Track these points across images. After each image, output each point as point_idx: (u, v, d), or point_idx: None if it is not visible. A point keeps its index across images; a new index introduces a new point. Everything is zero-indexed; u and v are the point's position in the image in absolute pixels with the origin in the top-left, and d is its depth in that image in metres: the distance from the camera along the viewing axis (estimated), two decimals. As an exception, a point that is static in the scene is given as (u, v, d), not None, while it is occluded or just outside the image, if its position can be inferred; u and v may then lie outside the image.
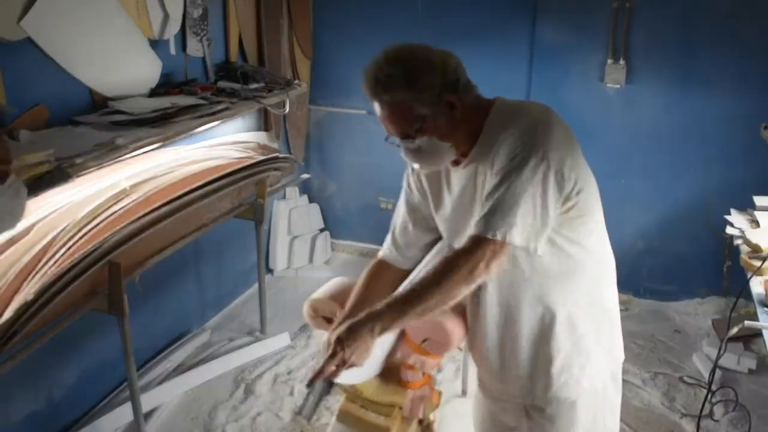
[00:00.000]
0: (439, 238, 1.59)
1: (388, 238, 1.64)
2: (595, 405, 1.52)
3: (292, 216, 3.85)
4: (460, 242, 1.37)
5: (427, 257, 1.59)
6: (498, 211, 1.27)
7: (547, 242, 1.34)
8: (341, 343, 1.29)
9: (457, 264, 1.28)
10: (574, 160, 1.35)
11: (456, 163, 1.44)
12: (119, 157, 2.09)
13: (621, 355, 1.59)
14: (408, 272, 1.60)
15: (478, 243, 1.28)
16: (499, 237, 1.26)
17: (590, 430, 1.52)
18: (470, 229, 1.31)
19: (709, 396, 2.40)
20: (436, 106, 1.35)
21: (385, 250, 1.64)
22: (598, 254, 1.49)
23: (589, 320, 1.48)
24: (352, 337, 1.29)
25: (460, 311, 1.59)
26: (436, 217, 1.55)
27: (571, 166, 1.33)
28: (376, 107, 1.39)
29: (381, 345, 1.52)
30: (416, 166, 1.47)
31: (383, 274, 1.61)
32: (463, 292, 1.30)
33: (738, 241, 2.38)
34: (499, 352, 1.51)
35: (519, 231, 1.27)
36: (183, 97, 2.56)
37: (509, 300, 1.45)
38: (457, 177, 1.45)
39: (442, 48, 1.41)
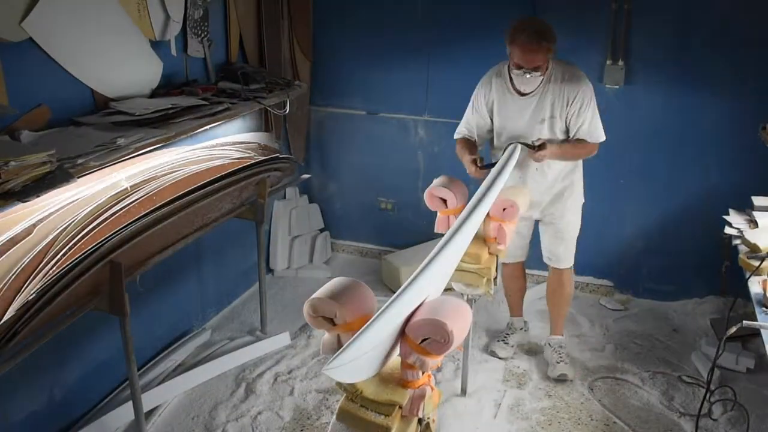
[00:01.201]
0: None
1: (461, 125, 2.78)
2: (578, 215, 2.86)
3: (292, 216, 3.86)
4: (515, 129, 2.65)
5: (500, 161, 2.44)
6: (596, 127, 2.63)
7: None
8: (544, 146, 2.52)
9: (589, 150, 2.68)
10: None
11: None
12: (120, 157, 2.10)
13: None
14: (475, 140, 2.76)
15: (594, 144, 2.67)
16: (603, 138, 2.66)
17: (576, 227, 2.85)
18: (588, 135, 2.62)
19: (708, 395, 2.41)
20: (548, 60, 2.52)
21: (458, 135, 2.79)
22: None
23: (581, 175, 2.83)
24: (551, 147, 2.55)
25: (461, 307, 1.61)
26: (496, 118, 2.69)
27: None
28: (523, 46, 2.42)
29: (381, 345, 1.53)
30: (524, 87, 2.55)
31: (467, 142, 2.74)
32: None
33: (736, 241, 2.39)
34: (547, 200, 2.80)
35: (602, 132, 2.66)
36: (184, 98, 2.57)
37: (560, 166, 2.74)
38: (525, 100, 2.62)
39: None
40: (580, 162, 2.78)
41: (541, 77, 2.51)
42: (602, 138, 2.63)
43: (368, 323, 1.43)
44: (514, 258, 2.95)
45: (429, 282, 1.63)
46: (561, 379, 2.85)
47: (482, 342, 3.16)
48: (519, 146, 2.51)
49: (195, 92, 2.64)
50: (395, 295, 1.49)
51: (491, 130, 2.74)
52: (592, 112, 2.57)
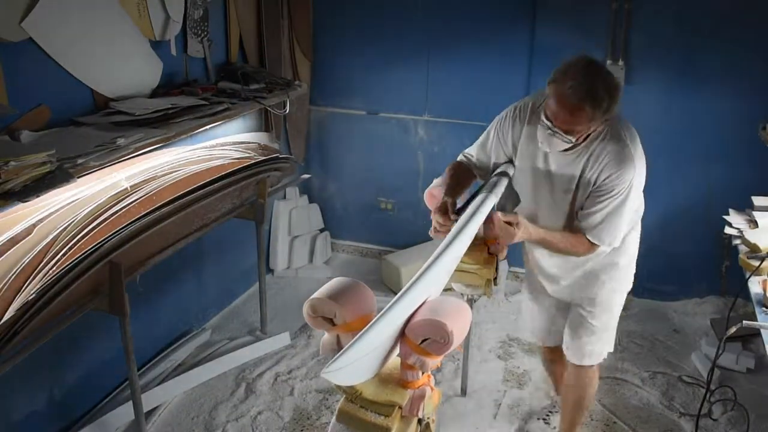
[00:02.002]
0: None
1: (470, 152, 2.16)
2: (622, 295, 2.20)
3: (292, 216, 3.86)
4: (533, 194, 2.03)
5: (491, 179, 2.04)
6: (605, 228, 1.91)
7: None
8: (519, 225, 1.85)
9: (576, 248, 1.95)
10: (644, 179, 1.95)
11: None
12: (120, 157, 2.10)
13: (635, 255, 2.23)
14: (475, 173, 2.15)
15: (591, 243, 1.94)
16: (605, 244, 1.94)
17: (617, 312, 2.21)
18: (587, 231, 1.93)
19: (708, 395, 2.41)
20: (597, 126, 1.81)
21: (462, 158, 2.18)
22: (641, 207, 2.17)
23: (633, 243, 2.16)
24: (522, 229, 1.86)
25: (462, 307, 1.61)
26: (517, 164, 2.05)
27: (642, 183, 1.95)
28: (563, 99, 1.73)
29: (381, 346, 1.53)
30: (547, 147, 1.87)
31: (462, 169, 2.15)
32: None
33: (736, 241, 2.39)
34: (571, 281, 2.17)
35: (618, 238, 1.95)
36: (184, 98, 2.57)
37: None
38: (556, 155, 1.92)
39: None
40: (635, 224, 2.13)
41: (573, 144, 1.82)
42: (610, 243, 1.94)
43: (366, 327, 1.42)
44: (543, 342, 2.47)
45: (431, 283, 1.63)
46: None
47: (482, 343, 3.16)
48: (495, 194, 1.94)
49: (195, 92, 2.64)
50: (394, 299, 1.49)
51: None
52: (615, 207, 1.87)
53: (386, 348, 1.57)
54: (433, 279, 1.64)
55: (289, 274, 3.85)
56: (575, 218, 1.98)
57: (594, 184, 1.88)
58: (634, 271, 2.21)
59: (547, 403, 2.73)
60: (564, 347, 2.26)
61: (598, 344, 2.19)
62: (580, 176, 1.90)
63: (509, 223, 1.85)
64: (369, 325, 1.43)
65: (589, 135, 1.83)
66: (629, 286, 2.20)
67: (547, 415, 2.67)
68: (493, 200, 1.87)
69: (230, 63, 3.16)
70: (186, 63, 2.85)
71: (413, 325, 1.55)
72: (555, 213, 2.01)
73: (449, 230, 1.71)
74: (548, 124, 1.79)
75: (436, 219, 1.89)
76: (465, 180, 2.10)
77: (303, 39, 3.63)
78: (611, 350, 2.24)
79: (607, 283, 2.12)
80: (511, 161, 2.08)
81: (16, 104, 2.04)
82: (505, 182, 1.99)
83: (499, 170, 2.05)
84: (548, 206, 2.02)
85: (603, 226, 1.90)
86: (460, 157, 2.19)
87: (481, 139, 2.13)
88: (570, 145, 1.82)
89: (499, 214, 1.87)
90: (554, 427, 2.60)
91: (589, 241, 1.93)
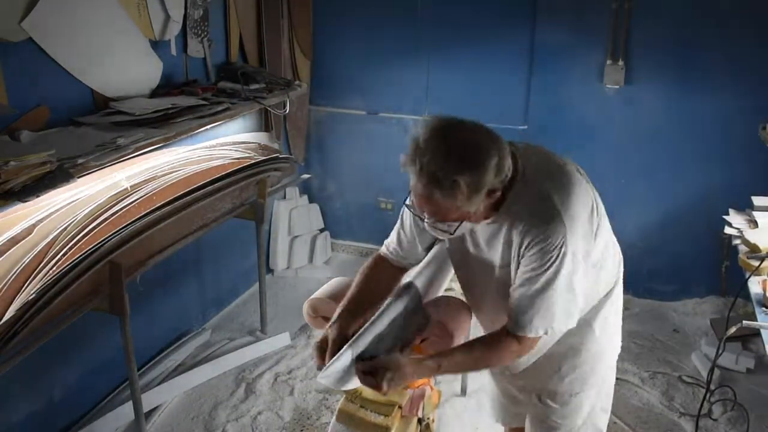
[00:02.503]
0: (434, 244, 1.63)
1: (391, 241, 1.65)
2: (598, 393, 1.66)
3: (292, 216, 3.86)
4: (471, 280, 1.54)
5: (423, 262, 1.64)
6: (536, 312, 1.36)
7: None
8: (385, 375, 1.35)
9: (498, 355, 1.43)
10: (593, 231, 1.42)
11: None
12: (120, 157, 2.09)
13: (620, 345, 1.70)
14: (403, 269, 1.65)
15: (519, 339, 1.40)
16: (541, 333, 1.38)
17: (590, 413, 1.66)
18: (511, 319, 1.40)
19: (708, 395, 2.41)
20: (482, 202, 1.31)
21: (384, 251, 1.65)
22: (614, 267, 1.60)
23: (610, 325, 1.61)
24: (398, 376, 1.36)
25: (462, 307, 1.60)
26: (447, 250, 1.59)
27: (591, 239, 1.41)
28: (414, 186, 1.31)
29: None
30: (441, 235, 1.43)
31: (382, 268, 1.63)
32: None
33: (736, 241, 2.39)
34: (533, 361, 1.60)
35: (559, 322, 1.39)
36: (184, 98, 2.56)
37: None
38: (482, 227, 1.44)
39: (487, 131, 1.32)
40: (603, 299, 1.58)
41: (462, 225, 1.36)
42: (544, 331, 1.40)
43: (360, 331, 1.42)
44: (505, 422, 1.94)
45: (424, 285, 1.61)
46: None
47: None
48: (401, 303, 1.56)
49: (195, 92, 2.64)
50: (389, 300, 1.48)
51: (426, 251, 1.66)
52: (544, 285, 1.35)
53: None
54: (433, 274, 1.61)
55: (289, 274, 3.85)
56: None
57: (520, 256, 1.38)
58: (615, 357, 1.70)
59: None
60: None
61: None
62: (505, 249, 1.42)
63: (368, 373, 1.37)
64: (362, 328, 1.42)
65: (502, 200, 1.36)
66: (603, 382, 1.67)
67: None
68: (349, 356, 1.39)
69: (230, 63, 3.16)
70: (186, 63, 2.85)
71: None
72: (499, 297, 1.48)
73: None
74: (424, 216, 1.36)
75: (314, 355, 1.46)
76: (377, 287, 1.58)
77: (303, 39, 3.63)
78: None
79: (570, 374, 1.60)
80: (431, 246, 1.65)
81: (16, 104, 2.04)
82: (393, 311, 1.50)
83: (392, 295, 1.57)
84: (492, 290, 1.52)
85: (531, 311, 1.37)
86: (382, 251, 1.67)
87: (397, 224, 1.65)
88: (457, 230, 1.35)
89: (358, 365, 1.39)
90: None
91: (513, 336, 1.40)
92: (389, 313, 1.42)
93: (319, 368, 1.39)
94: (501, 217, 1.39)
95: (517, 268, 1.39)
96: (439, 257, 1.64)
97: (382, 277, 1.60)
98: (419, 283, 1.50)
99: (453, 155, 1.24)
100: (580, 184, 1.41)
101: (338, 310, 1.49)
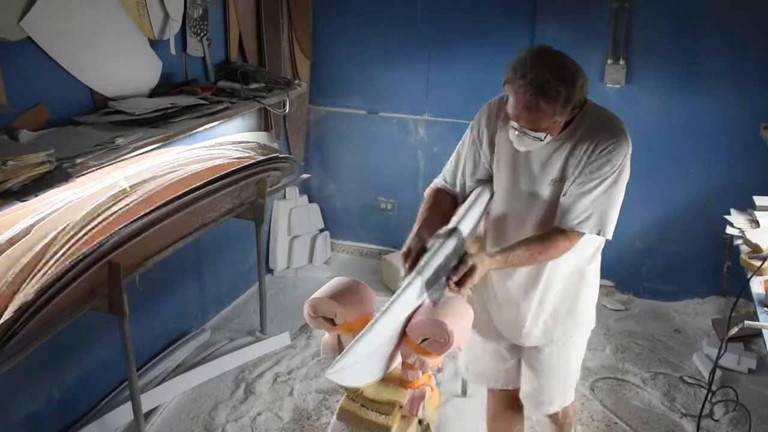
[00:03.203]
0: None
1: (447, 171, 1.92)
2: (584, 338, 1.98)
3: (292, 216, 3.85)
4: (516, 191, 1.78)
5: (471, 196, 1.84)
6: (594, 211, 1.67)
7: None
8: (474, 273, 1.59)
9: (551, 249, 1.68)
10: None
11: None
12: (119, 157, 2.09)
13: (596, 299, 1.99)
14: (456, 198, 1.91)
15: (569, 235, 1.69)
16: (594, 231, 1.68)
17: (578, 355, 1.98)
18: (572, 220, 1.67)
19: (710, 396, 2.40)
20: (566, 115, 1.62)
21: (440, 182, 1.94)
22: None
23: (596, 278, 1.93)
24: (482, 270, 1.61)
25: (462, 307, 1.60)
26: (496, 167, 1.82)
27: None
28: (518, 97, 1.58)
29: (383, 347, 1.52)
30: (522, 148, 1.68)
31: (441, 196, 1.92)
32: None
33: (738, 241, 2.38)
34: (531, 310, 1.86)
35: (607, 227, 1.70)
36: (183, 97, 2.56)
37: (554, 266, 1.80)
38: (536, 153, 1.72)
39: (556, 56, 1.61)
40: (595, 252, 1.87)
41: (546, 139, 1.64)
42: (599, 230, 1.69)
43: (368, 325, 1.42)
44: (496, 382, 2.07)
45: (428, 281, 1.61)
46: None
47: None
48: (488, 191, 1.83)
49: (194, 91, 2.63)
50: (394, 295, 1.48)
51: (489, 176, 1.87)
52: (607, 189, 1.67)
53: (389, 348, 1.56)
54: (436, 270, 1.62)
55: (289, 274, 3.85)
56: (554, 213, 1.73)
57: (580, 168, 1.66)
58: (594, 309, 1.96)
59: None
60: (522, 397, 2.02)
61: (562, 387, 1.96)
62: (566, 163, 1.69)
63: (463, 278, 1.59)
64: (370, 324, 1.43)
65: (569, 122, 1.67)
66: (591, 325, 1.97)
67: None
68: (416, 285, 1.53)
69: (230, 62, 3.15)
70: (185, 62, 2.85)
71: (414, 325, 1.54)
72: (531, 211, 1.76)
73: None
74: (515, 125, 1.64)
75: (402, 259, 1.68)
76: (442, 211, 1.84)
77: (303, 38, 3.62)
78: (572, 398, 2.02)
79: (567, 319, 1.88)
80: (486, 180, 1.86)
81: (15, 103, 2.03)
82: (451, 244, 1.63)
83: (448, 227, 1.69)
84: (525, 205, 1.77)
85: (592, 212, 1.65)
86: (436, 183, 1.94)
87: (452, 157, 1.91)
88: (544, 141, 1.64)
89: (452, 280, 1.60)
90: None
91: (569, 232, 1.68)
92: (444, 249, 1.59)
93: (410, 269, 1.59)
94: (565, 136, 1.69)
95: (575, 179, 1.67)
96: (478, 205, 1.82)
97: (445, 201, 1.89)
98: (463, 228, 1.67)
99: (555, 71, 1.55)
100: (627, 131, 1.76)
101: (416, 227, 1.74)
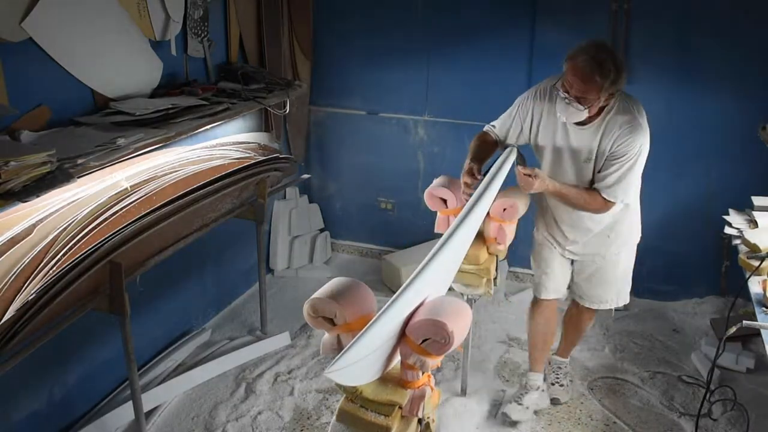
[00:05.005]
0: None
1: (497, 123, 2.43)
2: (632, 252, 2.51)
3: (292, 216, 3.86)
4: (552, 167, 2.31)
5: (504, 154, 2.29)
6: (620, 186, 2.20)
7: None
8: (538, 176, 2.16)
9: (589, 203, 2.24)
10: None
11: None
12: (120, 157, 2.10)
13: (640, 228, 2.53)
14: (499, 141, 2.43)
15: (605, 200, 2.23)
16: (618, 201, 2.24)
17: (626, 266, 2.54)
18: (603, 190, 2.22)
19: (708, 395, 2.41)
20: (606, 97, 2.11)
21: (488, 128, 2.45)
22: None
23: (637, 212, 2.45)
24: (541, 180, 2.17)
25: (462, 308, 1.61)
26: (539, 139, 2.33)
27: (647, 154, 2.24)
28: (576, 69, 2.05)
29: (383, 347, 1.53)
30: (564, 117, 2.16)
31: (487, 137, 2.43)
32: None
33: (736, 241, 2.39)
34: (582, 241, 2.43)
35: (629, 195, 2.27)
36: (184, 98, 2.57)
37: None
38: (575, 131, 2.23)
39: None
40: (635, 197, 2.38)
41: (585, 111, 2.11)
42: (623, 200, 2.25)
43: (368, 325, 1.43)
44: (546, 293, 2.56)
45: (428, 282, 1.63)
46: (553, 403, 2.70)
47: (482, 343, 3.16)
48: (516, 150, 2.29)
49: (195, 92, 2.64)
50: (395, 295, 1.49)
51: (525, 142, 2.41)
52: (627, 169, 2.17)
53: (389, 348, 1.57)
54: (436, 271, 1.63)
55: (289, 274, 3.85)
56: (591, 183, 2.28)
57: (609, 151, 2.17)
58: (639, 226, 2.49)
59: (546, 403, 2.73)
60: (577, 297, 2.59)
61: (615, 289, 2.53)
62: (598, 146, 2.20)
63: (528, 175, 2.15)
64: (369, 323, 1.44)
65: (602, 108, 2.15)
66: (638, 238, 2.49)
67: (548, 414, 2.67)
68: (515, 154, 2.24)
69: (230, 63, 3.16)
70: (186, 63, 2.85)
71: (413, 325, 1.55)
72: (569, 180, 2.29)
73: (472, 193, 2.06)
74: (565, 94, 2.09)
75: (464, 180, 2.22)
76: (488, 149, 2.38)
77: (303, 39, 3.63)
78: (626, 301, 2.59)
79: (616, 240, 2.40)
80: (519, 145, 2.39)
81: (17, 104, 2.04)
82: (513, 154, 2.26)
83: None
84: (567, 178, 2.29)
85: (617, 185, 2.20)
86: (486, 128, 2.46)
87: (504, 114, 2.41)
88: (583, 114, 2.11)
89: (519, 167, 2.18)
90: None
91: (603, 198, 2.23)
92: (512, 155, 2.24)
93: (471, 189, 2.16)
94: (596, 124, 2.18)
95: (605, 161, 2.20)
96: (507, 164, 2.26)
97: (490, 141, 2.42)
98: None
99: (612, 57, 2.05)
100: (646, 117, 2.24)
101: (470, 157, 2.30)
